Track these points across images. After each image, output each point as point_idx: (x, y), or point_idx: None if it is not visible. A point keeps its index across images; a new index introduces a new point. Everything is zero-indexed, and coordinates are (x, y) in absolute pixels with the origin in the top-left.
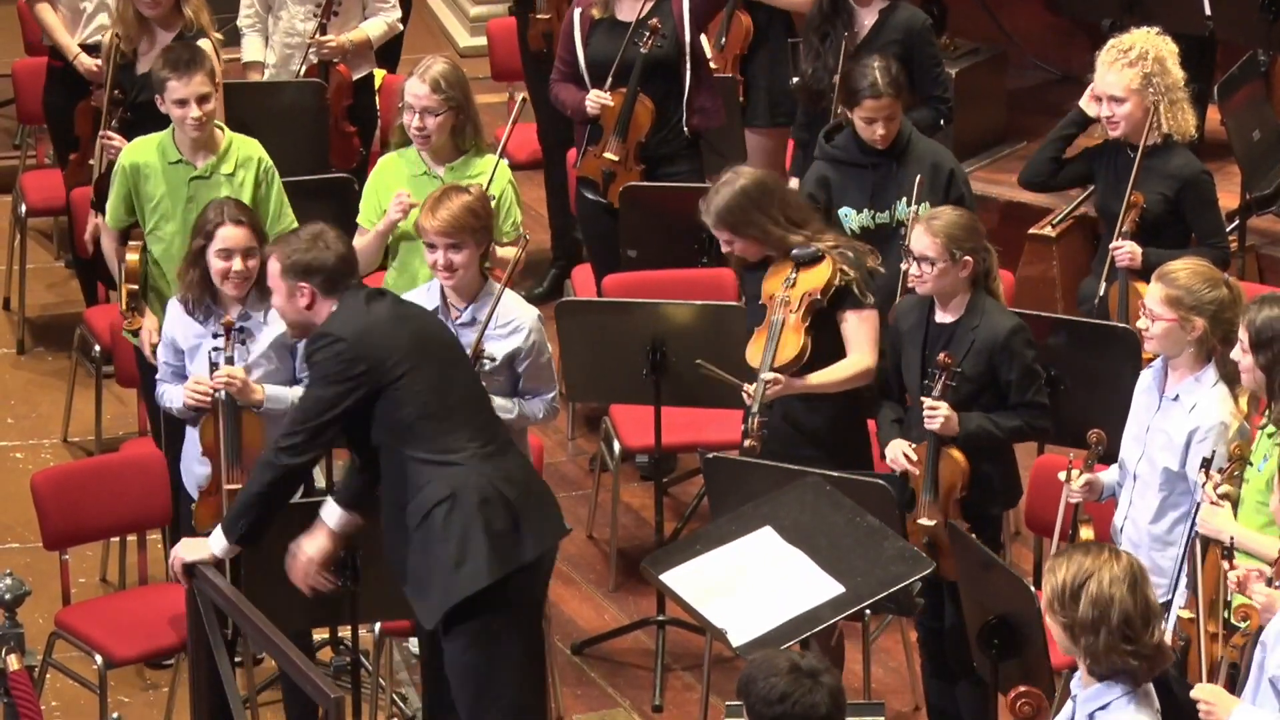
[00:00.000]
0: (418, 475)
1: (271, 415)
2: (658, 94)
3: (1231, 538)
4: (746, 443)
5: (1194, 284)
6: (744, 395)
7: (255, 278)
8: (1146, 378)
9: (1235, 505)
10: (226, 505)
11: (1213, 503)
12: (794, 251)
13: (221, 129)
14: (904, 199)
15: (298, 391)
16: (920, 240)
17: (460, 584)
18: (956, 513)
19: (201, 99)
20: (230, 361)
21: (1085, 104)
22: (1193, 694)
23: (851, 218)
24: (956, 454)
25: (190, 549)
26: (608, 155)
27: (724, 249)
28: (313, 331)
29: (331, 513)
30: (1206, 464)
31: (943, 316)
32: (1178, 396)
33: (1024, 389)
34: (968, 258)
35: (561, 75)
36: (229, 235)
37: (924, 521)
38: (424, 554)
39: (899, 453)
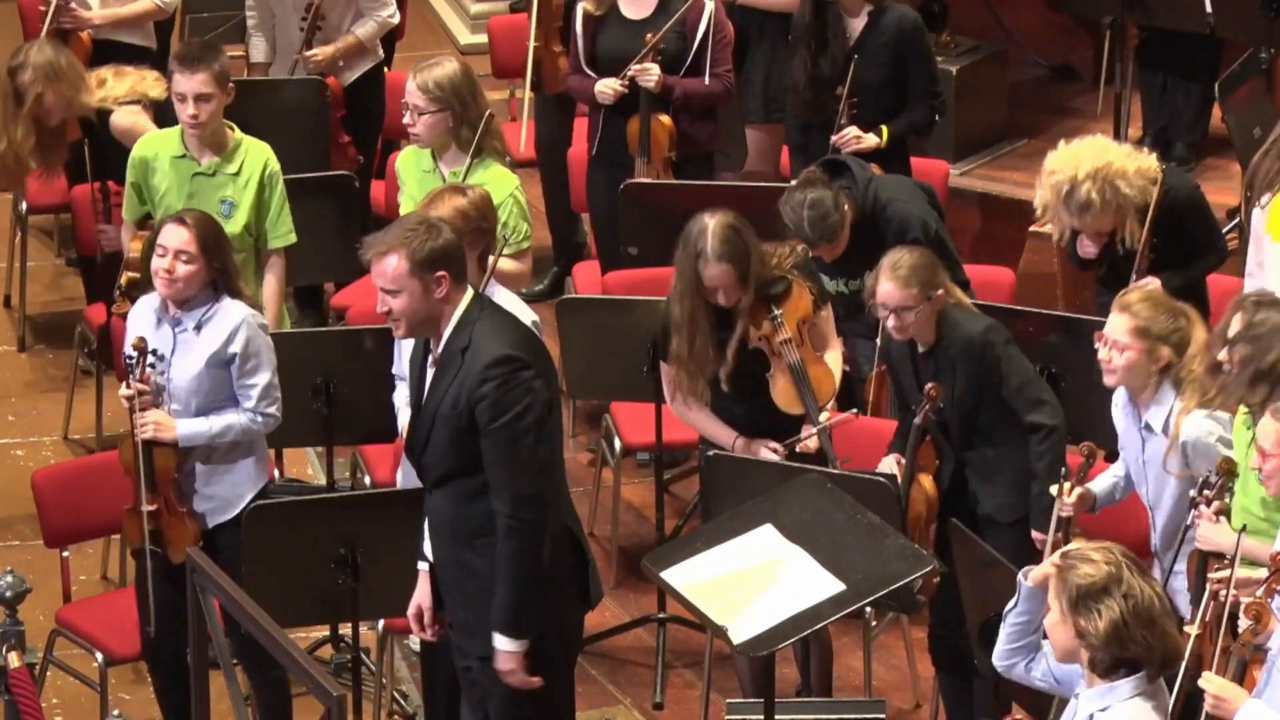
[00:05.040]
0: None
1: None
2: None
3: (1238, 537)
4: None
5: (1158, 314)
6: (807, 448)
7: (198, 282)
8: (1120, 397)
9: (1229, 516)
10: (146, 524)
11: (1209, 520)
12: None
13: (232, 128)
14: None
15: (220, 422)
16: (894, 294)
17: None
18: (928, 540)
19: (200, 98)
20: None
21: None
22: (1200, 683)
23: (826, 283)
24: (926, 482)
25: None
26: (641, 181)
27: (721, 297)
28: (487, 356)
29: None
30: (1194, 499)
31: (922, 346)
32: (1149, 426)
33: (1025, 401)
34: (940, 291)
35: (576, 68)
36: (167, 232)
37: None
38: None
39: (887, 466)
